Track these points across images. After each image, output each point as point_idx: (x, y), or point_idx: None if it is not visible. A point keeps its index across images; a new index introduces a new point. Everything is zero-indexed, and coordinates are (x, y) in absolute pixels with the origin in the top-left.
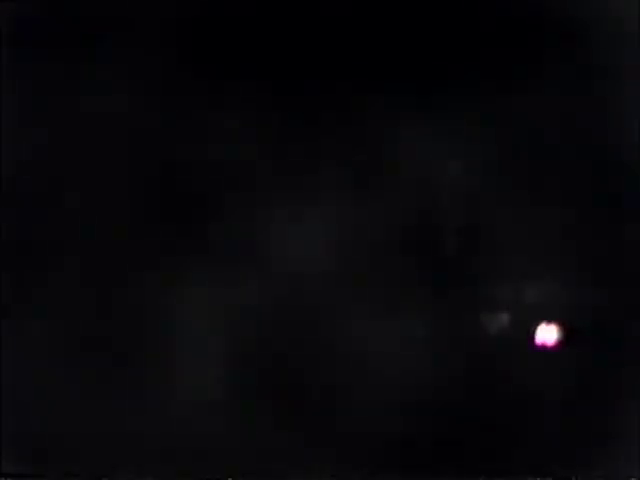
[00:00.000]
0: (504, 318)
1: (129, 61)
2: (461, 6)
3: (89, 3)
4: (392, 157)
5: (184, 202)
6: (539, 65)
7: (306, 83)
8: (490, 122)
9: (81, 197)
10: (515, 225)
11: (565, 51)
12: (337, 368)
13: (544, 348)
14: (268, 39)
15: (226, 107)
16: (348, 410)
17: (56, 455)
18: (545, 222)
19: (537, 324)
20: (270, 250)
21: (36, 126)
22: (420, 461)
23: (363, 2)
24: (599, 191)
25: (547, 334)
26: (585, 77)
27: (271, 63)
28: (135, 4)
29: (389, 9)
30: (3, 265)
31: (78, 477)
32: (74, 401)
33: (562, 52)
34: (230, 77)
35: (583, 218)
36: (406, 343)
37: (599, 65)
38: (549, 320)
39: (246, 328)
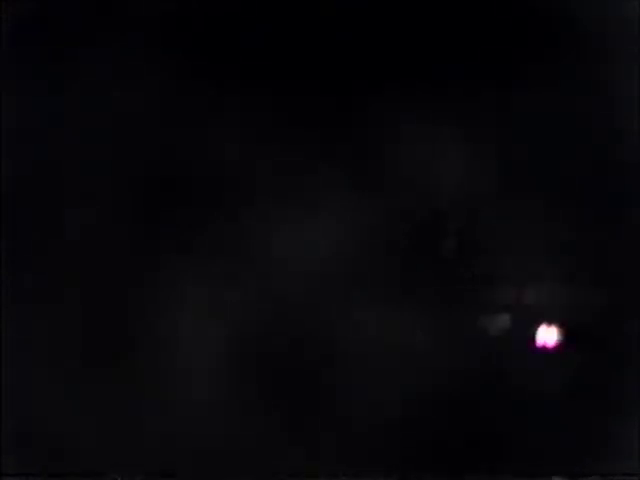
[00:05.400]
0: (505, 319)
1: (130, 61)
2: (461, 6)
3: (89, 3)
4: (392, 158)
5: (184, 202)
6: (539, 65)
7: (306, 83)
8: (491, 122)
9: (80, 197)
10: (515, 226)
11: (566, 50)
12: (337, 368)
13: (544, 349)
14: (268, 39)
15: (226, 108)
16: (348, 410)
17: (56, 455)
18: (546, 223)
19: (537, 325)
20: (270, 250)
21: (36, 126)
22: (419, 460)
23: (363, 3)
24: (600, 191)
25: (548, 335)
26: (585, 76)
27: (271, 64)
28: (136, 4)
29: (388, 10)
30: (3, 265)
31: (78, 477)
32: (74, 401)
33: (563, 52)
34: (230, 78)
35: (583, 218)
36: (406, 343)
37: (599, 63)
38: (549, 321)
39: (245, 328)
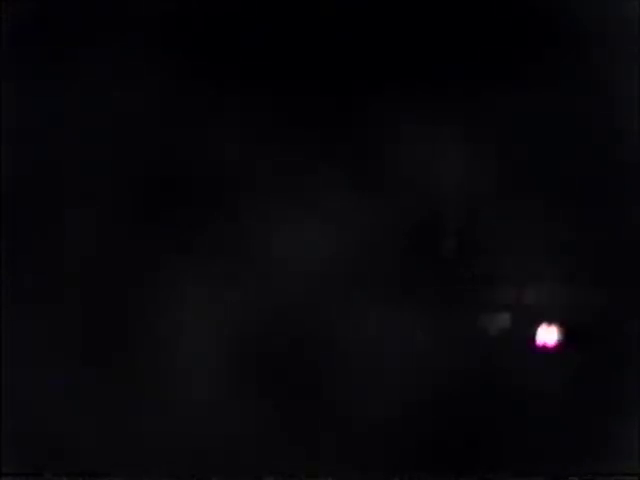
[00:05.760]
0: (505, 319)
1: (129, 61)
2: (461, 6)
3: (89, 3)
4: (392, 158)
5: (183, 202)
6: (538, 65)
7: (306, 83)
8: (490, 123)
9: (81, 196)
10: (515, 226)
11: (565, 50)
12: (337, 368)
13: (544, 349)
14: (268, 40)
15: (226, 108)
16: (348, 409)
17: (56, 455)
18: (546, 223)
19: (537, 325)
20: (270, 250)
21: (36, 126)
22: (419, 460)
23: (362, 3)
24: (600, 191)
25: (547, 335)
26: (585, 76)
27: (271, 64)
28: (135, 3)
29: (387, 9)
30: (3, 265)
31: (78, 477)
32: (74, 401)
33: (562, 51)
34: (230, 78)
35: (583, 218)
36: (406, 343)
37: (599, 64)
38: (549, 321)
39: (245, 328)
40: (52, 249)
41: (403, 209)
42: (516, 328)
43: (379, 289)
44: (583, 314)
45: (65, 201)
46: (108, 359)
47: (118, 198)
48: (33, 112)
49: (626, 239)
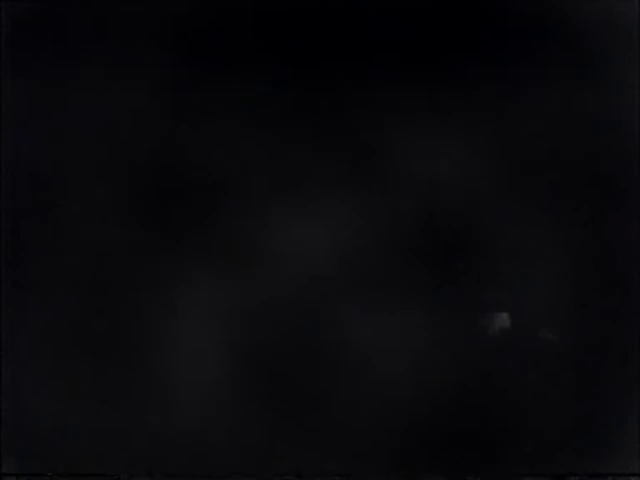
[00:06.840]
0: (505, 319)
1: (129, 60)
2: (461, 4)
3: (90, 2)
4: (392, 158)
5: (184, 202)
6: (537, 65)
7: (306, 82)
8: (490, 122)
9: (81, 197)
10: (515, 226)
11: (565, 49)
12: (337, 367)
13: (544, 349)
14: (268, 38)
15: (226, 107)
16: (348, 409)
17: (56, 455)
18: (546, 223)
19: (537, 325)
20: (270, 250)
21: (37, 125)
22: (419, 460)
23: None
24: (594, 195)
25: (546, 334)
26: (584, 77)
27: (271, 62)
28: (135, 1)
29: (389, 7)
30: (3, 264)
31: (79, 477)
32: (74, 401)
33: (562, 51)
34: (229, 77)
35: (579, 221)
36: (405, 343)
37: (599, 63)
38: (548, 321)
39: (246, 328)
40: (51, 248)
41: (402, 209)
42: (516, 328)
43: (378, 290)
44: (583, 315)
45: (66, 201)
46: (110, 360)
47: (118, 197)
48: (33, 112)
49: (626, 239)
